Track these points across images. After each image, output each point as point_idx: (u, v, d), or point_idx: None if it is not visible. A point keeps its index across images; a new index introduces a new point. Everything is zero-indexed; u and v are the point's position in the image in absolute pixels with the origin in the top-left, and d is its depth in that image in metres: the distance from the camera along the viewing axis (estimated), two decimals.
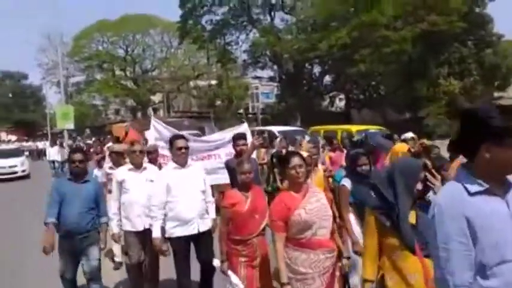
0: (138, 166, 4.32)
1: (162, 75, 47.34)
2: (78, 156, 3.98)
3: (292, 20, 32.30)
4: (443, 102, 22.62)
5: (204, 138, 7.27)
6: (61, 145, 17.27)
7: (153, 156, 5.44)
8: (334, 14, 25.52)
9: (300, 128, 17.46)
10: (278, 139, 8.55)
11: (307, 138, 10.38)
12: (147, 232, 4.09)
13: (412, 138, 7.78)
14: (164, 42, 46.59)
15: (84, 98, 48.68)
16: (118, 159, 5.24)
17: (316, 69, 33.27)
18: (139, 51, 47.21)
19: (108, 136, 21.51)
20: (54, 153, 17.15)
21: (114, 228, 4.29)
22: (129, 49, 47.03)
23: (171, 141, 4.09)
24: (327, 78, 33.50)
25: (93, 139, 18.53)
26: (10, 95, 54.67)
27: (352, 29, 23.83)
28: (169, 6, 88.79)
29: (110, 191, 4.77)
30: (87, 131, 38.05)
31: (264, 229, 3.54)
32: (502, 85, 24.17)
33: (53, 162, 17.16)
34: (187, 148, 4.04)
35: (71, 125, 13.33)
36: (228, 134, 6.63)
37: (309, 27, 28.87)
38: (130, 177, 4.28)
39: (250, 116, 36.79)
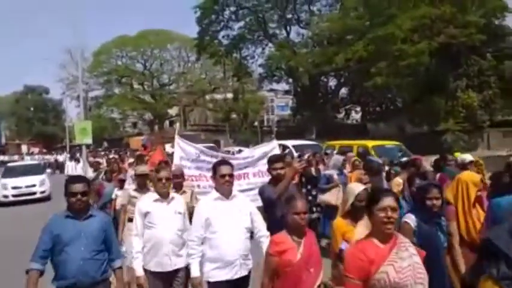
0: (164, 196, 3.78)
1: (179, 89, 48.04)
2: (79, 187, 3.10)
3: (308, 34, 32.49)
4: (461, 116, 22.26)
5: (231, 156, 6.78)
6: (77, 160, 16.78)
7: (178, 181, 4.89)
8: (350, 28, 25.55)
9: (315, 143, 17.34)
10: (306, 155, 8.11)
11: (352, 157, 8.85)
12: (176, 273, 3.70)
13: (472, 162, 6.11)
14: (181, 57, 47.44)
15: (103, 111, 49.64)
16: (143, 181, 4.99)
17: (332, 82, 33.29)
18: (157, 65, 48.14)
19: (127, 151, 21.63)
20: (72, 168, 16.68)
21: (138, 269, 3.64)
22: (147, 64, 47.98)
23: (214, 168, 3.55)
24: (343, 91, 33.45)
25: (111, 155, 17.65)
26: (32, 109, 56.13)
27: (369, 42, 23.80)
28: (187, 21, 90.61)
29: (130, 219, 4.50)
30: (105, 143, 38.68)
31: None
32: None
33: None
34: (232, 176, 3.48)
35: (89, 140, 13.51)
36: (257, 151, 6.27)
37: (324, 41, 28.95)
38: (156, 209, 3.71)
39: (265, 128, 36.85)
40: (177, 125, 46.77)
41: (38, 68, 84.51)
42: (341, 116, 34.02)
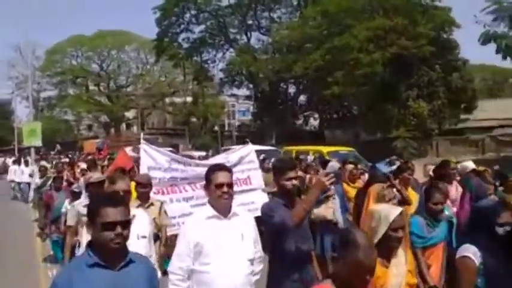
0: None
1: (137, 91, 46.97)
2: (119, 213, 1.93)
3: (268, 41, 32.89)
4: (412, 124, 23.32)
5: (207, 162, 6.00)
6: (25, 162, 15.72)
7: (144, 190, 4.18)
8: (309, 36, 26.14)
9: (274, 148, 17.59)
10: (309, 160, 7.60)
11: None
12: None
13: (474, 170, 5.59)
14: (140, 59, 46.43)
15: (56, 113, 47.59)
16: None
17: (291, 89, 33.84)
18: (114, 66, 46.81)
19: (80, 154, 20.64)
20: (14, 172, 15.33)
21: None
22: (103, 64, 46.56)
23: (207, 174, 2.71)
24: (302, 98, 34.06)
25: (62, 158, 16.15)
26: None
27: (326, 51, 24.45)
28: (146, 23, 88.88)
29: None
30: (58, 146, 37.03)
31: None
32: (468, 107, 25.14)
33: (13, 182, 15.31)
34: (232, 186, 2.64)
35: (38, 142, 12.92)
36: (232, 156, 5.64)
37: (284, 48, 29.42)
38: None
39: (225, 133, 36.82)
40: (137, 129, 45.80)
41: None
42: (300, 122, 34.63)
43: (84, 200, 4.22)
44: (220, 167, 2.78)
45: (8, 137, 52.25)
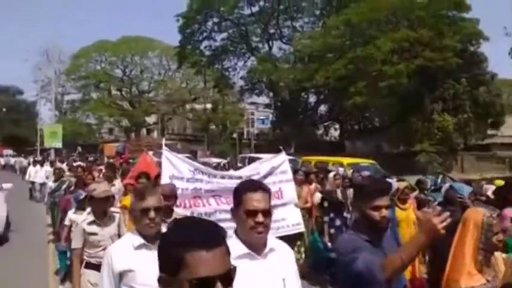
0: (152, 239, 2.17)
1: (158, 97, 47.47)
2: (220, 262, 1.09)
3: (290, 50, 32.76)
4: (436, 138, 22.69)
5: (234, 173, 5.47)
6: (40, 163, 15.84)
7: (168, 204, 3.17)
8: (331, 46, 25.87)
9: (292, 157, 17.30)
10: (332, 174, 6.34)
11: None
12: None
13: None
14: (162, 65, 46.99)
15: (79, 116, 48.50)
16: (102, 208, 3.53)
17: (312, 99, 33.54)
18: (137, 72, 47.50)
19: (97, 159, 20.70)
20: (34, 173, 15.10)
21: None
22: (127, 70, 47.30)
23: (236, 193, 2.00)
24: (322, 108, 33.73)
25: (76, 163, 14.75)
26: (4, 109, 54.29)
27: (349, 61, 24.12)
28: (169, 30, 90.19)
29: (88, 265, 3.46)
30: (79, 149, 37.62)
31: None
32: (496, 123, 24.37)
33: (33, 183, 15.10)
34: (270, 214, 1.91)
35: (59, 144, 13.07)
36: (263, 166, 5.13)
37: (306, 58, 29.22)
38: (141, 263, 2.10)
39: (244, 141, 36.71)
40: (158, 134, 46.18)
41: (12, 68, 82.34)
42: (320, 132, 34.24)
43: (88, 216, 3.62)
44: (255, 186, 1.97)
45: (32, 138, 53.57)
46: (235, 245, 1.83)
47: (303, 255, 5.95)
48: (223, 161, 18.93)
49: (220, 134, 36.60)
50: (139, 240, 2.22)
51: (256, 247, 1.91)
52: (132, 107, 46.94)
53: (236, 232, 1.98)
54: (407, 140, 23.49)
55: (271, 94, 34.22)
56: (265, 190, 1.96)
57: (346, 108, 25.94)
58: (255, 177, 4.63)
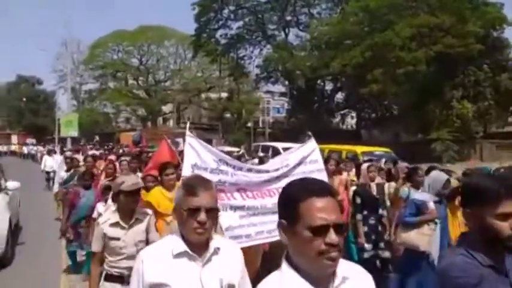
0: (201, 247, 1.80)
1: (174, 86, 47.69)
2: None
3: (307, 37, 32.36)
4: (455, 126, 22.19)
5: (261, 166, 4.99)
6: (50, 152, 15.68)
7: None
8: (348, 33, 25.43)
9: None
10: (365, 165, 5.63)
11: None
12: None
13: None
14: (178, 54, 47.11)
15: (96, 105, 49.15)
16: (127, 208, 3.03)
17: (328, 87, 33.17)
18: (153, 61, 47.76)
19: (113, 147, 20.68)
20: (51, 162, 14.52)
21: None
22: (143, 59, 47.59)
23: (289, 202, 1.32)
24: (339, 96, 33.36)
25: (90, 152, 14.22)
26: (24, 99, 55.42)
27: (366, 48, 23.68)
28: (185, 18, 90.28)
29: (109, 277, 2.98)
30: (96, 137, 38.15)
31: None
32: None
33: (48, 173, 14.53)
34: (345, 229, 1.31)
35: (74, 133, 13.19)
36: (292, 156, 4.63)
37: (322, 45, 28.82)
38: (177, 273, 1.75)
39: (259, 130, 36.64)
40: (173, 123, 46.46)
41: (33, 58, 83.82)
42: (336, 120, 33.91)
43: (111, 215, 3.05)
44: (320, 189, 1.31)
45: (51, 127, 54.66)
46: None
47: None
48: (237, 150, 18.87)
49: (235, 122, 36.58)
50: (182, 246, 1.75)
51: (316, 276, 1.26)
52: (149, 96, 47.34)
53: (289, 260, 1.30)
54: (425, 128, 23.04)
55: (286, 82, 33.97)
56: (332, 193, 1.31)
57: (363, 96, 25.57)
58: (284, 170, 4.33)
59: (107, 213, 3.44)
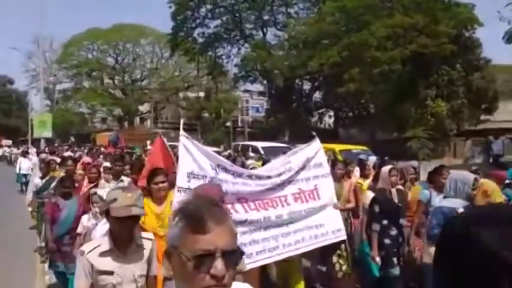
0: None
1: (151, 86, 47.05)
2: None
3: (284, 37, 32.45)
4: (430, 124, 22.69)
5: (262, 172, 4.22)
6: (24, 154, 15.09)
7: None
8: (326, 32, 25.65)
9: (286, 145, 17.27)
10: (386, 168, 4.81)
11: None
12: None
13: None
14: (155, 53, 46.48)
15: (71, 105, 48.00)
16: (123, 233, 2.43)
17: (306, 86, 33.35)
18: (129, 60, 46.96)
19: (91, 148, 20.04)
20: (26, 164, 13.79)
21: None
22: (119, 58, 46.74)
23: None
24: (317, 95, 33.57)
25: (66, 153, 13.45)
26: None
27: (343, 48, 23.96)
28: (162, 17, 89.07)
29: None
30: (72, 138, 37.25)
31: None
32: (489, 109, 24.36)
33: (24, 176, 13.70)
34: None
35: (48, 133, 12.79)
36: (295, 158, 4.11)
37: (300, 44, 28.97)
38: None
39: (238, 129, 36.57)
40: (151, 123, 45.77)
41: (3, 57, 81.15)
42: (314, 119, 34.16)
43: (102, 239, 2.38)
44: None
45: (24, 128, 53.10)
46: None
47: (344, 268, 4.72)
48: (222, 150, 18.73)
49: (214, 122, 36.39)
50: None
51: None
52: (125, 95, 46.54)
53: None
54: (400, 126, 23.49)
55: (265, 82, 34.00)
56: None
57: (340, 95, 25.83)
58: (287, 175, 3.89)
59: (94, 235, 3.03)
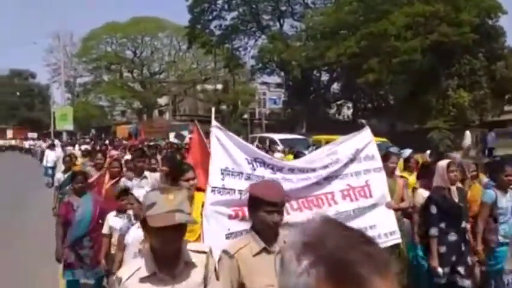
0: None
1: (169, 78, 47.43)
2: None
3: (302, 27, 32.17)
4: (451, 115, 22.26)
5: (305, 163, 3.62)
6: (51, 147, 15.10)
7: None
8: (343, 22, 25.32)
9: (302, 137, 17.22)
10: (444, 163, 4.13)
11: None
12: None
13: None
14: (173, 46, 46.78)
15: (91, 98, 48.87)
16: (168, 249, 1.85)
17: (324, 77, 33.09)
18: (147, 53, 47.41)
19: (112, 140, 20.32)
20: (53, 157, 13.31)
21: None
22: (137, 51, 47.22)
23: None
24: (335, 86, 33.29)
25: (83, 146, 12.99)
26: (18, 94, 55.02)
27: (361, 38, 23.61)
28: (179, 9, 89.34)
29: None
30: (93, 131, 38.02)
31: None
32: None
33: (52, 168, 13.06)
34: None
35: (69, 126, 13.03)
36: (341, 148, 3.57)
37: (318, 35, 28.67)
38: None
39: (255, 121, 36.59)
40: (169, 115, 46.19)
41: (25, 52, 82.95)
42: (333, 111, 33.90)
43: (141, 261, 1.87)
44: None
45: (47, 121, 54.43)
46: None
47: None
48: None
49: (231, 114, 36.49)
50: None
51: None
52: (144, 88, 47.09)
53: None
54: (421, 118, 23.10)
55: (282, 73, 33.85)
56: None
57: (359, 86, 25.53)
58: (334, 167, 3.40)
59: (127, 241, 2.79)
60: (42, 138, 35.75)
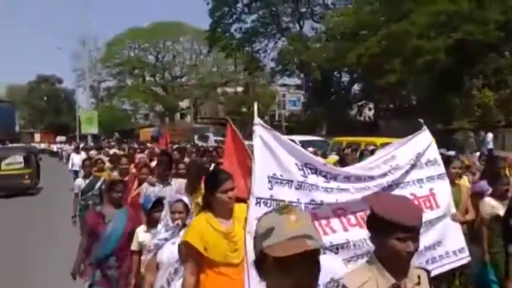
0: None
1: (191, 82, 48.06)
2: None
3: (322, 29, 32.08)
4: (476, 115, 21.75)
5: (363, 170, 3.02)
6: (76, 150, 15.00)
7: None
8: (364, 23, 25.11)
9: (323, 139, 17.16)
10: None
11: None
12: None
13: None
14: (194, 50, 47.41)
15: (115, 102, 49.98)
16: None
17: (345, 78, 32.89)
18: (169, 58, 48.21)
19: (134, 144, 20.31)
20: (78, 161, 12.39)
21: None
22: (159, 56, 48.07)
23: None
24: (356, 87, 33.04)
25: (111, 150, 12.79)
26: (45, 98, 56.79)
27: (382, 38, 23.35)
28: (200, 13, 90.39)
29: None
30: (116, 134, 38.82)
31: None
32: None
33: (76, 172, 12.14)
34: None
35: (94, 130, 13.44)
36: (403, 152, 3.13)
37: (338, 36, 28.52)
38: None
39: (275, 123, 36.64)
40: (191, 118, 46.79)
41: (52, 58, 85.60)
42: (353, 112, 33.63)
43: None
44: None
45: (71, 125, 55.94)
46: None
47: None
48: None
49: (252, 116, 36.68)
50: None
51: None
52: (166, 92, 47.86)
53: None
54: (445, 118, 22.65)
55: (302, 75, 33.81)
56: None
57: (380, 87, 25.23)
58: (395, 175, 2.94)
59: (161, 259, 2.57)
60: (69, 142, 36.74)
